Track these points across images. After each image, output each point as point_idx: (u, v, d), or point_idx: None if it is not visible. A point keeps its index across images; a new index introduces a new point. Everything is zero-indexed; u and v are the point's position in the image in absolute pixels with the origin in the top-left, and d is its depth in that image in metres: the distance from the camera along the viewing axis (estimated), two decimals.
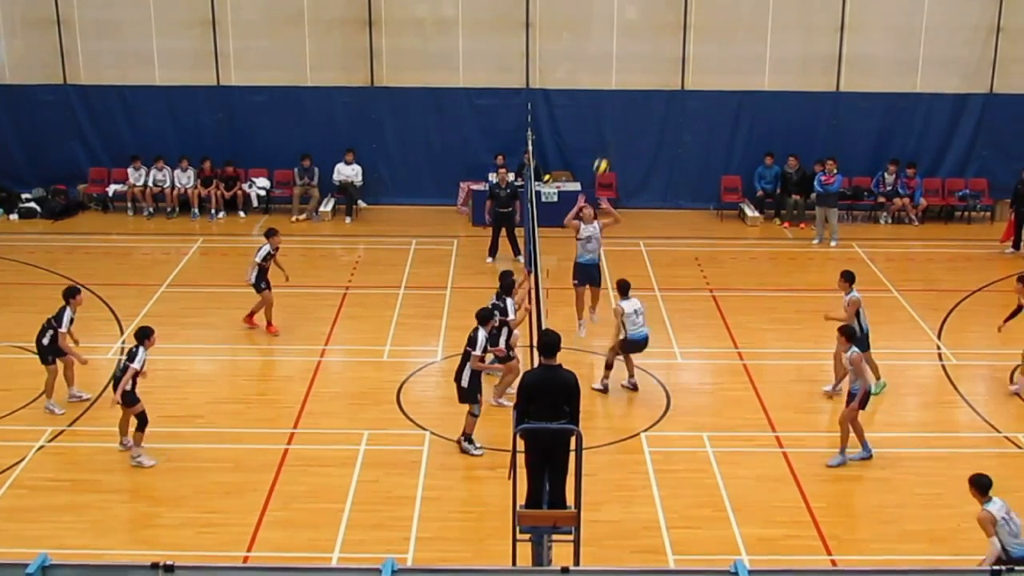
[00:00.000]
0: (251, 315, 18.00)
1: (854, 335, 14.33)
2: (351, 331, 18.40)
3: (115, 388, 13.82)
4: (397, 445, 14.44)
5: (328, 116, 25.06)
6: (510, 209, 21.53)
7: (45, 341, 15.16)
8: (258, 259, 17.71)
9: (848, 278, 15.80)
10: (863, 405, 13.90)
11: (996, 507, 11.04)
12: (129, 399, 13.80)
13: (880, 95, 24.73)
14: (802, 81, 24.81)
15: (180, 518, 12.82)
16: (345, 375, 16.99)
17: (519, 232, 21.64)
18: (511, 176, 22.56)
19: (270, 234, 18.04)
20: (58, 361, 15.21)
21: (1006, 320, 16.50)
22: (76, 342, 15.45)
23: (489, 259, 21.57)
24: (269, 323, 17.94)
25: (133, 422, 13.89)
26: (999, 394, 16.16)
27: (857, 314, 15.59)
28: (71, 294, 15.31)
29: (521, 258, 20.63)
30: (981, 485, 11.20)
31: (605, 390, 15.96)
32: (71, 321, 15.21)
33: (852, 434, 13.96)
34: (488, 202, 21.77)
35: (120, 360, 14.74)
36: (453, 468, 13.98)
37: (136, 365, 13.71)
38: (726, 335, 18.23)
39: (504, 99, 24.84)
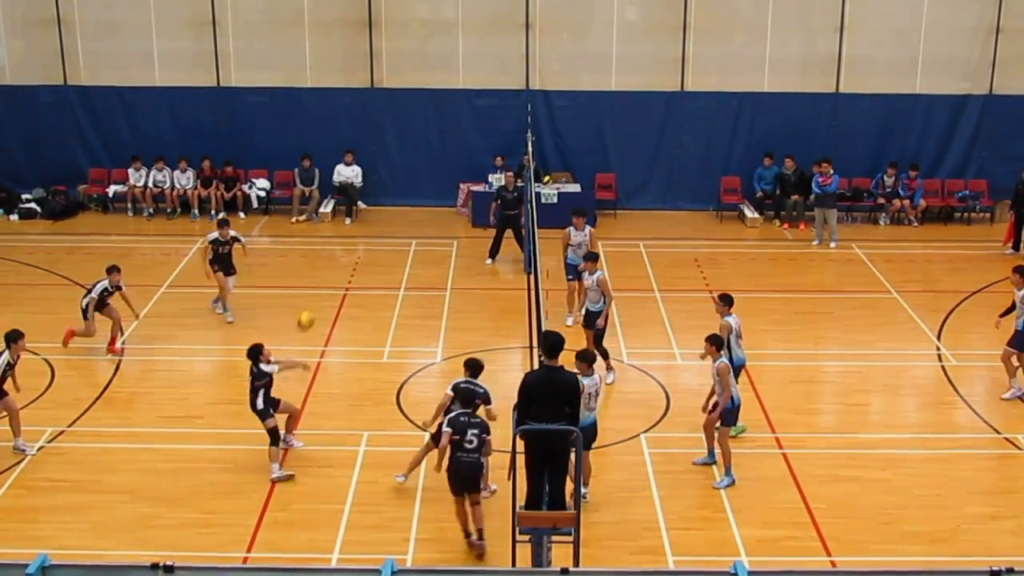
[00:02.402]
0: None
1: (722, 344, 13.73)
2: (351, 332, 18.40)
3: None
4: (397, 446, 14.44)
5: (328, 117, 25.07)
6: (516, 212, 21.58)
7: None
8: (94, 294, 17.06)
9: (726, 301, 14.64)
10: (725, 421, 13.54)
11: None
12: None
13: (880, 96, 24.74)
14: (802, 82, 24.82)
15: (180, 518, 12.82)
16: (345, 376, 17.00)
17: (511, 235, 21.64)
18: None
19: (111, 270, 17.37)
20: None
21: (1002, 315, 16.44)
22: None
23: (489, 260, 21.59)
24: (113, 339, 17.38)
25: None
26: (999, 395, 16.16)
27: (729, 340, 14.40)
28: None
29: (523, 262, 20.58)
30: None
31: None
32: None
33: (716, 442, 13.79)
34: (493, 204, 21.78)
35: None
36: None
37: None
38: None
39: (504, 100, 24.85)
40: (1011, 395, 15.97)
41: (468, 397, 12.46)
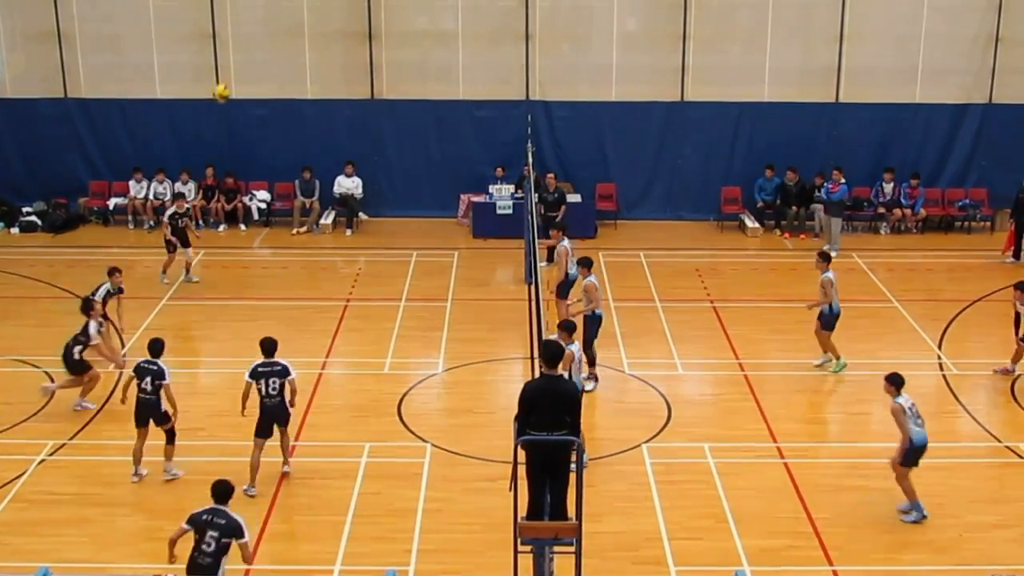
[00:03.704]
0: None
1: (573, 329, 14.00)
2: (352, 343, 18.40)
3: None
4: (398, 457, 14.43)
5: (328, 129, 25.11)
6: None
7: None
8: (97, 298, 16.95)
9: (894, 382, 13.40)
10: (904, 461, 13.16)
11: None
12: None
13: (880, 105, 24.77)
14: (802, 92, 24.85)
15: None
16: (346, 387, 16.99)
17: (520, 243, 21.62)
18: (508, 188, 22.52)
19: (113, 272, 17.64)
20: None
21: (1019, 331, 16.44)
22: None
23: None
24: None
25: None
26: (1000, 404, 16.17)
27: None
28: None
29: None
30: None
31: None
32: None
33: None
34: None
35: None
36: (455, 480, 13.97)
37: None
38: (727, 346, 18.23)
39: (504, 111, 24.88)
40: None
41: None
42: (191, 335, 18.66)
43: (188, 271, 21.03)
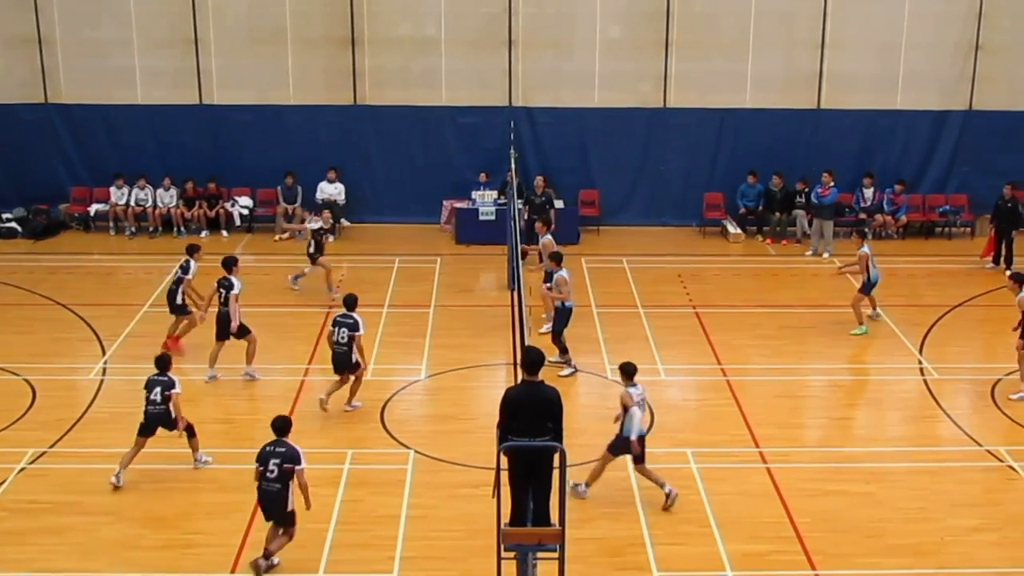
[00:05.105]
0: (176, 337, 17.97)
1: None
2: None
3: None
4: (381, 464, 14.40)
5: (311, 134, 25.08)
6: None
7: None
8: (191, 276, 17.71)
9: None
10: None
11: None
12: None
13: (861, 112, 24.91)
14: (783, 98, 24.98)
15: (164, 539, 12.74)
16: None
17: (503, 249, 21.63)
18: (492, 194, 22.51)
19: (195, 250, 18.09)
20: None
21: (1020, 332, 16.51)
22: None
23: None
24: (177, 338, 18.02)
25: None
26: (981, 408, 16.24)
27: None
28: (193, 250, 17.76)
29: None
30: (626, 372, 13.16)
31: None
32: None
33: None
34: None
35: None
36: (438, 487, 13.95)
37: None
38: (709, 352, 18.27)
39: (487, 117, 24.89)
40: (1018, 396, 16.31)
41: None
42: None
43: (304, 277, 20.91)
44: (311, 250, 20.49)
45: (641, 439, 13.21)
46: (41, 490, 13.76)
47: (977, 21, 24.55)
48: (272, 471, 11.89)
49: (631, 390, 13.24)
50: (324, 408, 15.66)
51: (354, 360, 15.54)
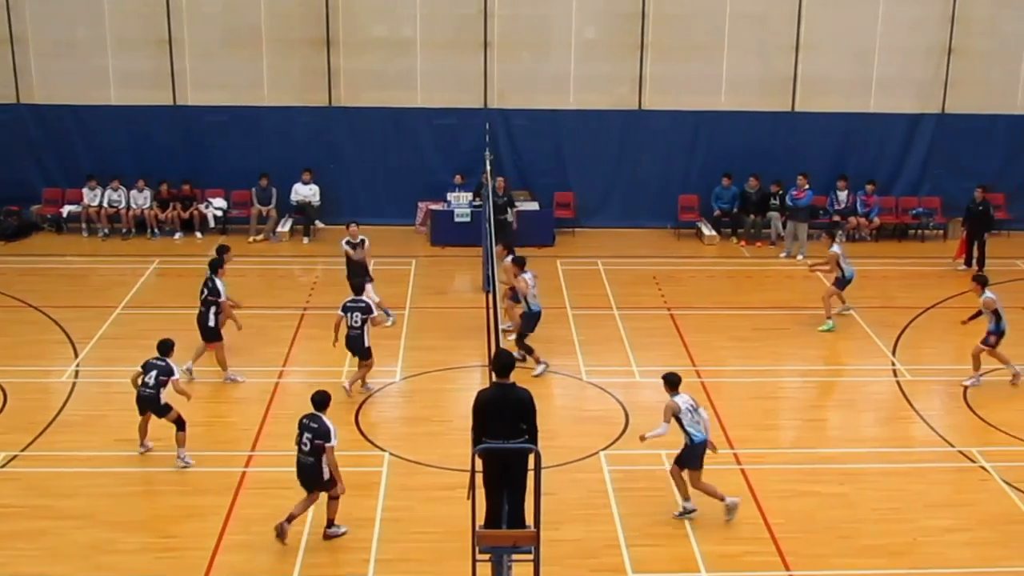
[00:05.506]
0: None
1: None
2: (309, 352, 18.30)
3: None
4: (356, 466, 14.34)
5: (286, 136, 24.98)
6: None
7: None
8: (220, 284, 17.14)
9: (518, 262, 17.26)
10: None
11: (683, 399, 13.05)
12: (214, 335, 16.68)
13: (835, 115, 25.02)
14: (758, 101, 25.06)
15: (138, 543, 12.66)
16: (304, 396, 16.55)
17: (478, 251, 21.61)
18: (467, 196, 22.46)
19: (225, 250, 17.85)
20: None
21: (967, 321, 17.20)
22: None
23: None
24: None
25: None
26: (954, 409, 16.36)
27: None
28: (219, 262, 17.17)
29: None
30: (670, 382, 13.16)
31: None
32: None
33: None
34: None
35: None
36: (413, 489, 13.93)
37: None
38: (684, 353, 18.32)
39: (463, 119, 24.86)
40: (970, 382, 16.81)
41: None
42: (145, 344, 18.39)
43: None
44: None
45: (704, 444, 13.15)
46: (13, 494, 13.66)
47: (950, 25, 24.73)
48: (306, 444, 12.50)
49: (677, 399, 13.17)
50: (353, 393, 16.39)
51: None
